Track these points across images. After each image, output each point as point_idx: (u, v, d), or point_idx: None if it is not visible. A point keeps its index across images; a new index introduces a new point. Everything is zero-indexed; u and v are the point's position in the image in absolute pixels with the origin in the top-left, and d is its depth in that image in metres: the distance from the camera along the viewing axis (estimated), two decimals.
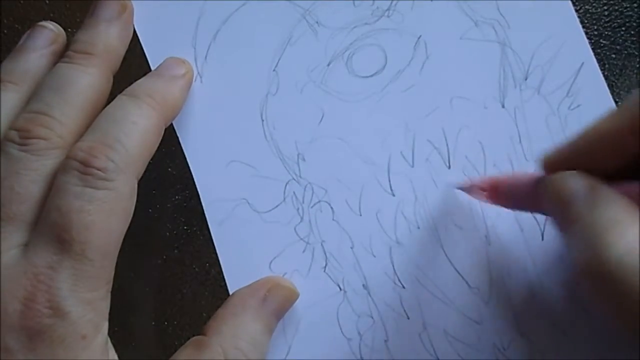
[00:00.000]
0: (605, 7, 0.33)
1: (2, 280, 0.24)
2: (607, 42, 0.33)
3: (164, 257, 0.33)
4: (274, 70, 0.31)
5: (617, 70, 0.33)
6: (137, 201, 0.27)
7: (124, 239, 0.27)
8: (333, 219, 0.30)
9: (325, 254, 0.30)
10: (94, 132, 0.27)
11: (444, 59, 0.31)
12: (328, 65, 0.31)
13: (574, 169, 0.25)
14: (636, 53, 0.33)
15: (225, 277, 0.30)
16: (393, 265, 0.30)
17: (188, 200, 0.32)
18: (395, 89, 0.31)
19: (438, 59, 0.31)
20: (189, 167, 0.30)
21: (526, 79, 0.31)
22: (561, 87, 0.30)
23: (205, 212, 0.30)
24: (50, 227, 0.25)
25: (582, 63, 0.30)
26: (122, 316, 0.32)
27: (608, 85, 0.30)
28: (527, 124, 0.30)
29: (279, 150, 0.31)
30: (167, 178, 0.33)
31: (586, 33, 0.31)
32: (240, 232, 0.30)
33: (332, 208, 0.30)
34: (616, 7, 0.33)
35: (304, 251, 0.30)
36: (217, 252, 0.30)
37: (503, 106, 0.31)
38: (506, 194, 0.28)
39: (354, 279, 0.30)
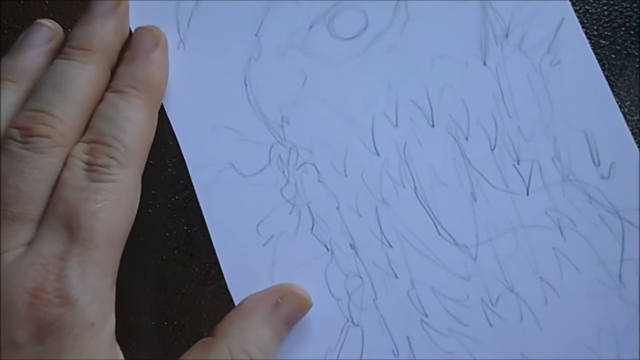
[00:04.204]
0: (605, 7, 0.33)
1: (10, 275, 0.25)
2: (607, 42, 0.33)
3: (164, 257, 0.33)
4: (256, 35, 0.31)
5: (617, 70, 0.33)
6: (139, 200, 0.28)
7: None
8: (319, 181, 0.30)
9: (311, 215, 0.30)
10: (91, 134, 0.27)
11: (425, 19, 0.31)
12: (310, 28, 0.31)
13: None
14: (636, 53, 0.33)
15: (213, 242, 0.30)
16: (380, 225, 0.30)
17: (188, 200, 0.32)
18: (377, 50, 0.31)
19: (418, 19, 0.31)
20: (175, 136, 0.30)
21: (507, 36, 0.31)
22: (542, 43, 0.31)
23: (191, 178, 0.30)
24: (57, 218, 0.25)
25: (563, 19, 0.31)
26: (122, 316, 0.32)
27: (608, 85, 0.30)
28: (509, 81, 0.30)
29: (263, 114, 0.31)
30: (167, 178, 0.33)
31: (586, 33, 0.30)
32: (227, 196, 0.30)
33: (317, 169, 0.30)
34: (616, 7, 0.33)
35: (290, 213, 0.30)
36: (204, 216, 0.30)
37: (485, 64, 0.31)
38: None
39: (341, 239, 0.30)
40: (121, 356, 0.27)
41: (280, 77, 0.31)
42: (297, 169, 0.30)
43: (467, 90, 0.31)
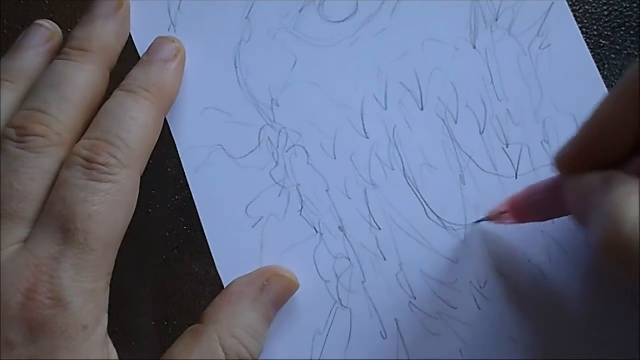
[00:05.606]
0: (605, 7, 0.33)
1: (4, 274, 0.25)
2: (607, 43, 0.33)
3: (164, 257, 0.33)
4: (246, 18, 0.31)
5: (617, 71, 0.33)
6: (137, 201, 0.27)
7: (124, 239, 0.27)
8: (308, 163, 0.30)
9: (301, 197, 0.30)
10: (95, 130, 0.27)
11: (415, 2, 0.31)
12: (300, 11, 0.31)
13: (588, 161, 0.24)
14: (636, 53, 0.33)
15: (203, 224, 0.30)
16: (368, 207, 0.30)
17: (188, 200, 0.32)
18: (367, 33, 0.31)
19: (409, 2, 0.31)
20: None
21: (497, 20, 0.31)
22: (532, 27, 0.31)
23: (182, 159, 0.30)
24: (54, 219, 0.25)
25: (552, 3, 0.31)
26: (122, 316, 0.32)
27: (608, 85, 0.30)
28: (498, 65, 0.31)
29: (253, 97, 0.31)
30: (167, 178, 0.33)
31: (586, 33, 0.30)
32: (216, 178, 0.30)
33: (306, 152, 0.30)
34: (616, 7, 0.33)
35: (279, 195, 0.30)
36: (194, 198, 0.30)
37: (474, 47, 0.31)
38: (529, 208, 0.27)
39: (330, 222, 0.30)
40: (114, 354, 0.27)
41: (270, 59, 0.31)
42: (287, 151, 0.30)
43: (456, 73, 0.31)
